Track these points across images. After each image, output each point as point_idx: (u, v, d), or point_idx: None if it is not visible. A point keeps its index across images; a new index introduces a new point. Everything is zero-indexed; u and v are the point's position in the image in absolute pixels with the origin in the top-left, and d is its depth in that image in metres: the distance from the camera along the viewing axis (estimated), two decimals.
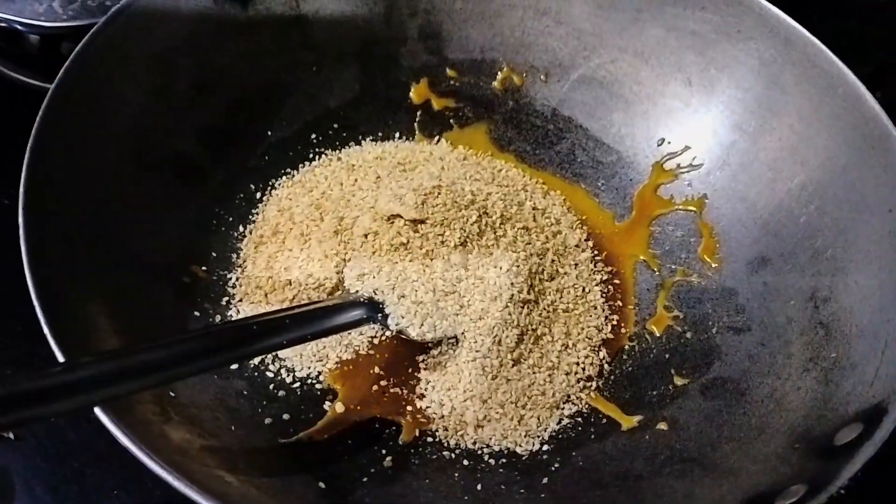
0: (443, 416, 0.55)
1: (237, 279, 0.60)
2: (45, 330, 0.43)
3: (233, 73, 0.64)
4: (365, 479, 0.51)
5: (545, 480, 0.52)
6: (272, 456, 0.51)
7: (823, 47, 0.59)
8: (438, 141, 0.71)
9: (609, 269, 0.65)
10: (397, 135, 0.71)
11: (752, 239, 0.61)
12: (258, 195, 0.65)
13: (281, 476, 0.50)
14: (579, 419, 0.56)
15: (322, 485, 0.49)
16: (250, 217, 0.64)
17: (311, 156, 0.68)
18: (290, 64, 0.67)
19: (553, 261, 0.62)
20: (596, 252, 0.66)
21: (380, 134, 0.70)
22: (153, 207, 0.58)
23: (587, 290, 0.63)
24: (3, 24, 0.68)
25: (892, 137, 0.55)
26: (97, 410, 0.40)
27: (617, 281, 0.64)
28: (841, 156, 0.57)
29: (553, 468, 0.53)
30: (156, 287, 0.55)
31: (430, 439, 0.55)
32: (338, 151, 0.69)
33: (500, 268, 0.58)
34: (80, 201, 0.52)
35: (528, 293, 0.58)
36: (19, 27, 0.69)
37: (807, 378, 0.52)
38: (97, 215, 0.53)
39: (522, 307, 0.57)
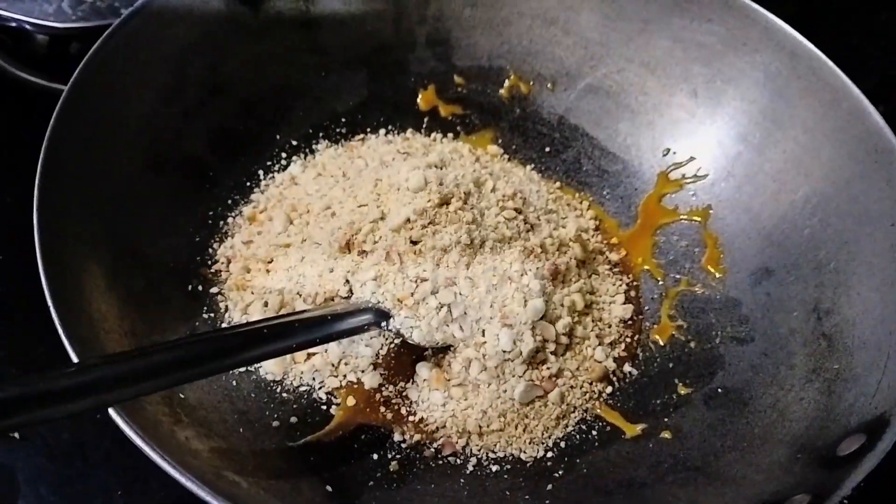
0: (445, 425, 0.55)
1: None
2: (59, 330, 0.43)
3: (243, 75, 0.65)
4: (371, 483, 0.51)
5: (550, 487, 0.53)
6: (280, 458, 0.52)
7: (828, 60, 0.60)
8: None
9: (628, 278, 0.64)
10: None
11: (755, 250, 0.62)
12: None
13: (289, 479, 0.50)
14: (583, 426, 0.57)
15: (329, 488, 0.50)
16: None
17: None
18: (298, 67, 0.68)
19: (571, 273, 0.61)
20: (613, 264, 0.65)
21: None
22: (164, 209, 0.58)
23: (604, 307, 0.62)
24: (12, 24, 0.68)
25: (895, 151, 0.56)
26: (112, 412, 0.41)
27: (632, 293, 0.64)
28: (844, 168, 0.58)
29: (557, 475, 0.54)
30: (166, 288, 0.56)
31: (435, 445, 0.55)
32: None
33: (513, 279, 0.57)
34: (93, 202, 0.52)
35: (541, 306, 0.57)
36: (28, 27, 0.69)
37: (809, 389, 0.53)
38: (109, 216, 0.53)
39: (535, 320, 0.57)
